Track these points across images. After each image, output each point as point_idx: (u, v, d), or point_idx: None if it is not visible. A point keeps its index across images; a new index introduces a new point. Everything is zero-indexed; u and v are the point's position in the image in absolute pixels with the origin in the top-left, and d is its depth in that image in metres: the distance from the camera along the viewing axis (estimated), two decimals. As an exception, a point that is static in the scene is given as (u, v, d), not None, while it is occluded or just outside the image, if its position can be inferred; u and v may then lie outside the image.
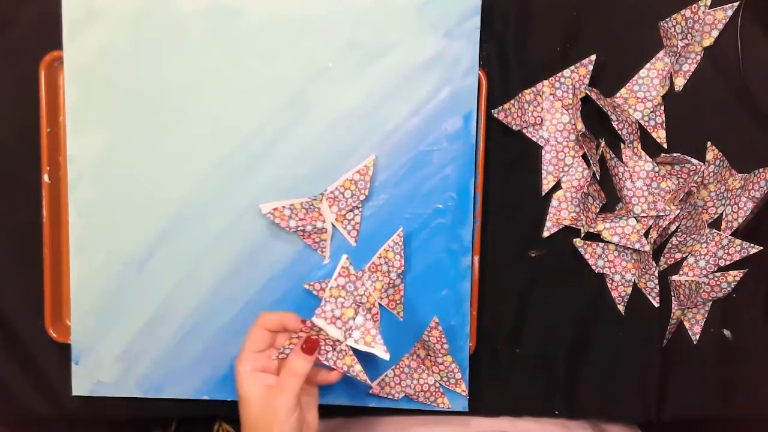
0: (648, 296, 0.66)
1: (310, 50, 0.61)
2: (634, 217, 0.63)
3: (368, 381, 0.57)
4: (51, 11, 0.61)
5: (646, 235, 0.64)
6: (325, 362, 0.56)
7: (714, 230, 0.65)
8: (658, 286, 0.65)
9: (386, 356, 0.55)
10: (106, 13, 0.61)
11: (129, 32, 0.61)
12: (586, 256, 0.65)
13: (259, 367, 0.53)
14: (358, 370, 0.56)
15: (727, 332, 0.67)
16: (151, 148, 0.62)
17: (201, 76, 0.62)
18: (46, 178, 0.63)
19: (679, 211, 0.63)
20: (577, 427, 0.68)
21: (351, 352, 0.56)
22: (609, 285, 0.66)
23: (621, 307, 0.66)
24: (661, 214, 0.63)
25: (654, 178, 0.64)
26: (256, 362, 0.53)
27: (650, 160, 0.63)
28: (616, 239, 0.63)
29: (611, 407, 0.67)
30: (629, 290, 0.66)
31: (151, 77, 0.62)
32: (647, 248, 0.63)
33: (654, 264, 0.64)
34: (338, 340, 0.55)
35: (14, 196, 0.66)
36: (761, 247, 0.64)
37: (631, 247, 0.63)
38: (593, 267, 0.65)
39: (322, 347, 0.55)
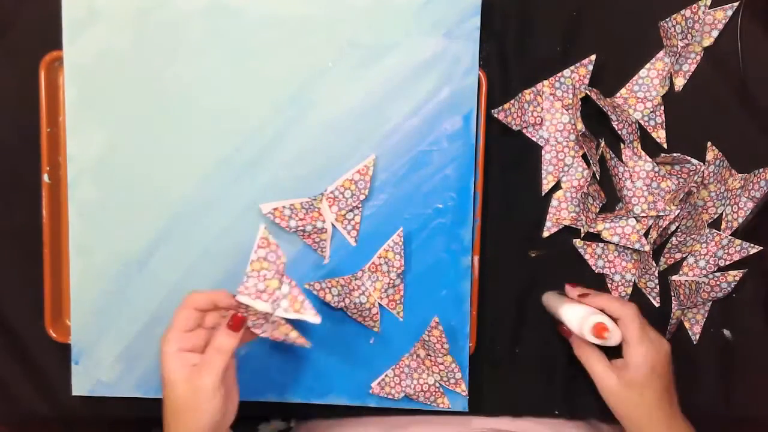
0: (648, 296, 0.66)
1: (310, 50, 0.61)
2: (634, 217, 0.63)
3: (306, 343, 0.55)
4: (51, 11, 0.61)
5: (646, 235, 0.64)
6: (263, 335, 0.55)
7: (714, 230, 0.65)
8: (658, 286, 0.65)
9: (317, 320, 0.53)
10: (106, 13, 0.61)
11: (129, 32, 0.61)
12: (586, 257, 0.65)
13: (186, 347, 0.52)
14: (294, 336, 0.55)
15: (727, 332, 0.67)
16: (151, 148, 0.62)
17: (201, 76, 0.62)
18: (46, 178, 0.63)
19: (679, 211, 0.63)
20: (576, 428, 0.68)
21: (284, 321, 0.54)
22: (609, 285, 0.66)
23: (621, 307, 0.66)
24: (661, 214, 0.63)
25: (654, 178, 0.64)
26: (183, 342, 0.51)
27: (650, 160, 0.63)
28: (616, 239, 0.63)
29: (611, 407, 0.67)
30: (629, 290, 0.66)
31: (151, 77, 0.62)
32: (647, 248, 0.63)
33: (654, 264, 0.64)
34: (268, 313, 0.53)
35: (14, 196, 0.66)
36: (761, 247, 0.64)
37: (631, 247, 0.63)
38: (593, 267, 0.65)
39: (256, 321, 0.53)
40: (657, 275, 0.65)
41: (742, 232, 0.65)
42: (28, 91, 0.63)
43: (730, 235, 0.64)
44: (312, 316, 0.53)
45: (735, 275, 0.65)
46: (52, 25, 0.61)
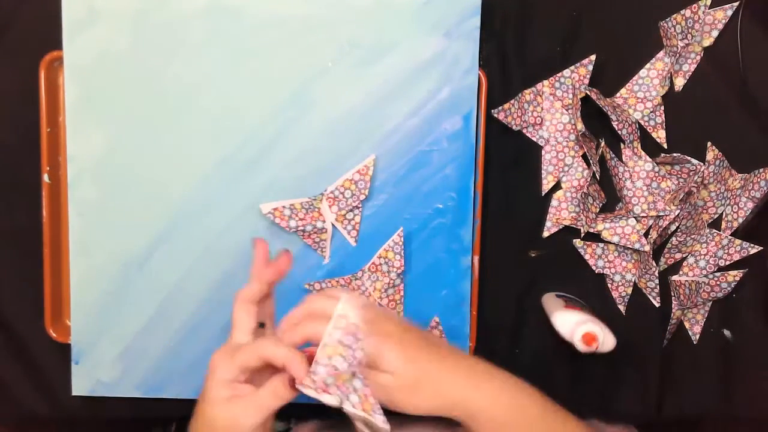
0: (648, 296, 0.66)
1: (310, 50, 0.61)
2: (634, 217, 0.63)
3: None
4: (51, 11, 0.61)
5: (646, 235, 0.64)
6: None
7: (714, 230, 0.65)
8: (658, 286, 0.65)
9: (387, 427, 0.47)
10: (106, 13, 0.61)
11: (129, 32, 0.61)
12: (586, 257, 0.65)
13: (240, 380, 0.49)
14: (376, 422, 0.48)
15: (727, 332, 0.67)
16: (151, 148, 0.62)
17: (201, 76, 0.62)
18: (46, 178, 0.63)
19: (679, 211, 0.63)
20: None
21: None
22: (609, 285, 0.66)
23: (622, 308, 0.66)
24: (661, 214, 0.63)
25: (654, 178, 0.64)
26: (240, 375, 0.49)
27: (650, 160, 0.63)
28: (616, 239, 0.63)
29: (611, 407, 0.67)
30: (629, 290, 0.66)
31: (150, 77, 0.62)
32: (647, 248, 0.63)
33: (654, 264, 0.64)
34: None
35: (14, 196, 0.66)
36: (761, 247, 0.64)
37: (631, 247, 0.63)
38: (593, 267, 0.65)
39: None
40: (657, 275, 0.65)
41: (742, 232, 0.65)
42: (28, 91, 0.63)
43: (730, 235, 0.64)
44: (381, 423, 0.47)
45: (735, 275, 0.65)
46: (52, 25, 0.61)
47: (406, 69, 0.61)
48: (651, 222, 0.64)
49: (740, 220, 0.64)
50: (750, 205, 0.64)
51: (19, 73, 0.64)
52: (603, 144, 0.63)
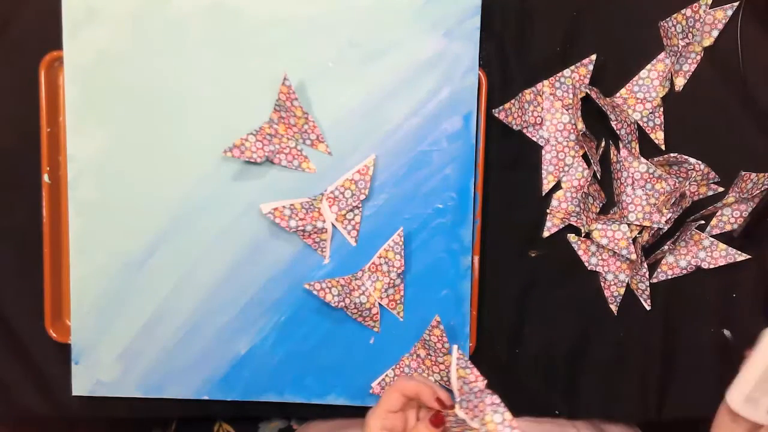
0: (640, 298, 0.66)
1: (310, 50, 0.61)
2: (627, 224, 0.63)
3: None
4: (51, 11, 0.61)
5: (640, 232, 0.64)
6: None
7: (697, 230, 0.64)
8: (648, 288, 0.65)
9: None
10: (105, 12, 0.61)
11: (129, 32, 0.61)
12: (580, 252, 0.65)
13: (388, 426, 0.55)
14: None
15: (727, 332, 0.67)
16: (151, 148, 0.62)
17: (201, 76, 0.62)
18: (46, 178, 0.63)
19: (671, 214, 0.63)
20: (576, 427, 0.68)
21: None
22: (602, 284, 0.66)
23: (613, 307, 0.66)
24: (655, 225, 0.63)
25: (648, 179, 0.63)
26: (387, 421, 0.55)
27: (645, 161, 0.63)
28: (604, 241, 0.63)
29: (611, 407, 0.67)
30: (622, 291, 0.66)
31: (151, 77, 0.62)
32: (633, 257, 0.62)
33: (645, 267, 0.64)
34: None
35: (14, 196, 0.66)
36: (749, 256, 0.64)
37: (618, 252, 0.63)
38: (585, 264, 0.65)
39: (454, 426, 0.55)
40: (647, 278, 0.65)
41: (739, 235, 0.64)
42: (28, 91, 0.63)
43: (728, 235, 0.64)
44: None
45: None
46: (52, 25, 0.61)
47: (406, 69, 0.61)
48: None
49: (732, 223, 0.64)
50: (742, 207, 0.64)
51: (19, 73, 0.64)
52: (603, 144, 0.63)
